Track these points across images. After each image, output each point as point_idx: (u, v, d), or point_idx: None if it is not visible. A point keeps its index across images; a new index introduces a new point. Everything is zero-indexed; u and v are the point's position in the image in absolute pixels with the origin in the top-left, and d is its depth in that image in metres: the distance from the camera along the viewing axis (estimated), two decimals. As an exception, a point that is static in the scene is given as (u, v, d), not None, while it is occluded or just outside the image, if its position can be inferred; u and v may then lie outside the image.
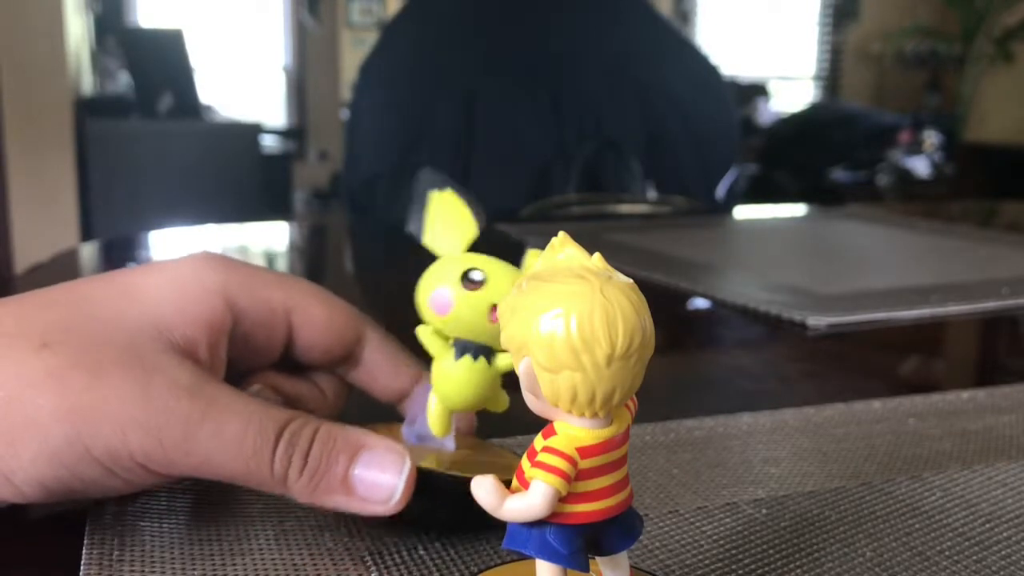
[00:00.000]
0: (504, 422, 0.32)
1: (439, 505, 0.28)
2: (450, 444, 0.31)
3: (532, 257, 0.30)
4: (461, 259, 0.29)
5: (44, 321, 0.27)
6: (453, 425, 0.31)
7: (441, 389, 0.30)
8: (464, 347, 0.29)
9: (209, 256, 0.31)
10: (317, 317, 0.32)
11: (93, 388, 0.26)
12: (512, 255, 0.30)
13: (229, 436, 0.26)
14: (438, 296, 0.28)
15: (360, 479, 0.27)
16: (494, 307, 0.28)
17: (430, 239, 0.30)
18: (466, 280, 0.28)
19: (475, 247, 0.30)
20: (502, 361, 0.29)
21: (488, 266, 0.28)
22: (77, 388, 0.26)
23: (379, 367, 0.33)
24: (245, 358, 0.32)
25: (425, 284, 0.29)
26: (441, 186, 0.30)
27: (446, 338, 0.30)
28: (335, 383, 0.34)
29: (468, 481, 0.27)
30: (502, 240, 0.87)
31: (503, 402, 0.31)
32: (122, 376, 0.26)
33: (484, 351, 0.29)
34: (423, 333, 0.30)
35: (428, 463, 0.29)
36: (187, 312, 0.29)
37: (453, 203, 0.30)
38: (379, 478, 0.27)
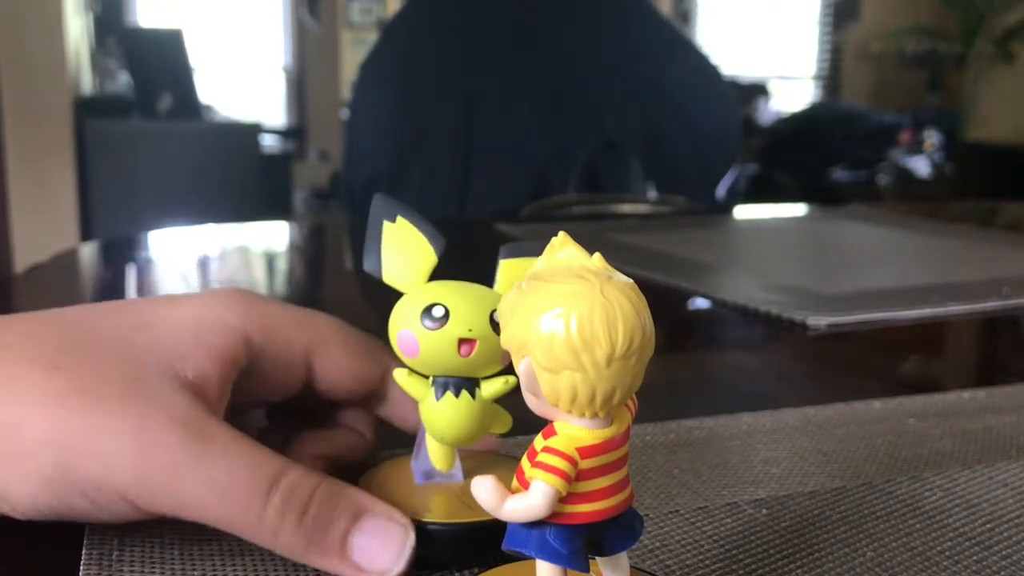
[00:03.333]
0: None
1: (444, 555, 0.28)
2: (458, 475, 0.30)
3: (505, 269, 0.29)
4: (421, 294, 0.27)
5: (57, 345, 0.27)
6: (456, 457, 0.30)
7: (431, 429, 0.29)
8: (443, 385, 0.28)
9: (230, 292, 0.31)
10: (337, 361, 0.31)
11: (88, 418, 0.26)
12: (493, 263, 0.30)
13: (217, 481, 0.25)
14: (403, 339, 0.27)
15: (358, 547, 0.26)
16: (461, 341, 0.27)
17: (388, 275, 0.29)
18: (427, 318, 0.27)
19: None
20: (487, 390, 0.28)
21: (448, 298, 0.27)
22: (73, 417, 0.26)
23: (404, 401, 0.33)
24: (262, 394, 0.31)
25: (391, 326, 0.28)
26: (392, 216, 0.29)
27: (425, 377, 0.28)
28: (369, 419, 0.33)
29: (471, 526, 0.27)
30: (502, 240, 0.87)
31: (505, 423, 0.30)
32: (120, 409, 0.26)
33: (465, 384, 0.28)
34: (400, 376, 0.28)
35: (434, 508, 0.28)
36: (202, 344, 0.28)
37: (407, 232, 0.29)
38: (378, 549, 0.26)
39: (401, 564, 0.26)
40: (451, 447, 0.30)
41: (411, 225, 0.29)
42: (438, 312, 0.27)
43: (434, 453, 0.30)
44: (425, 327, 0.27)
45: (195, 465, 0.25)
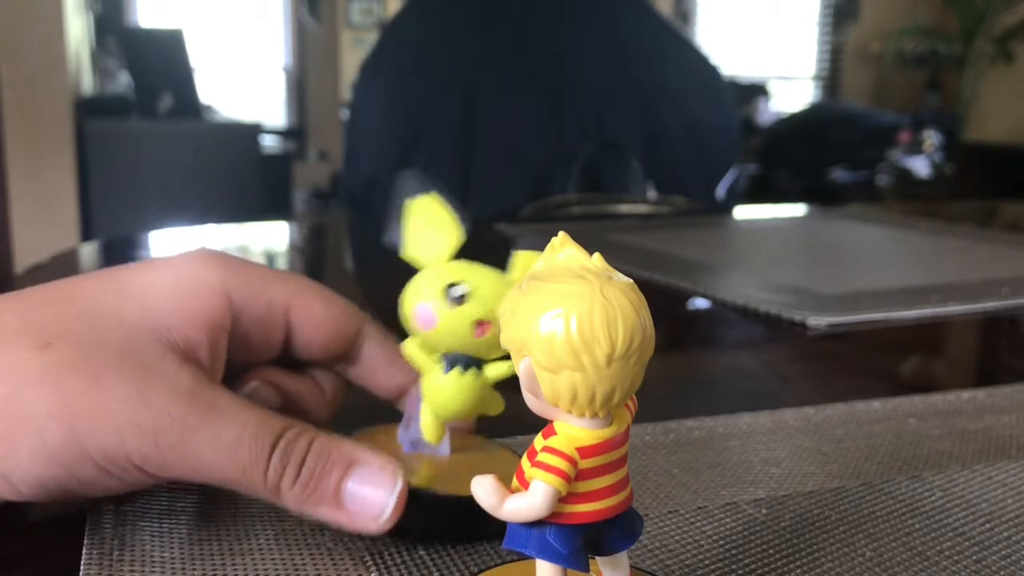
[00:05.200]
0: (504, 422, 0.32)
1: (430, 522, 0.28)
2: (445, 450, 0.31)
3: (519, 260, 0.30)
4: (444, 271, 0.28)
5: (44, 319, 0.27)
6: (447, 431, 0.31)
7: (432, 402, 0.29)
8: (453, 360, 0.29)
9: (208, 253, 0.31)
10: (316, 314, 0.32)
11: (92, 389, 0.26)
12: (506, 255, 0.30)
13: (225, 442, 0.26)
14: (421, 312, 0.28)
15: (351, 494, 0.27)
16: (478, 322, 0.27)
17: (411, 249, 0.29)
18: (449, 295, 0.27)
19: (463, 253, 0.29)
20: (491, 371, 0.29)
21: (472, 278, 0.28)
22: (76, 388, 0.26)
23: (377, 364, 0.33)
24: (243, 355, 0.32)
25: (408, 298, 0.28)
26: (422, 192, 0.29)
27: (433, 351, 0.29)
28: (334, 379, 0.34)
29: (459, 499, 0.28)
30: (500, 240, 0.87)
31: (497, 406, 0.31)
32: (121, 378, 0.26)
33: (473, 362, 0.29)
34: (409, 347, 0.29)
35: (422, 475, 0.29)
36: (187, 311, 0.29)
37: (435, 209, 0.29)
38: (370, 494, 0.27)
39: (391, 509, 0.27)
40: (444, 422, 0.30)
41: (440, 203, 0.29)
42: (460, 291, 0.27)
43: (426, 426, 0.30)
44: (447, 303, 0.27)
45: (204, 430, 0.26)
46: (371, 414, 0.34)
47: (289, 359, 0.33)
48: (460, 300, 0.27)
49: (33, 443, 0.26)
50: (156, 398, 0.26)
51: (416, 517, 0.28)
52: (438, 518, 0.28)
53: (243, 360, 0.32)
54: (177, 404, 0.26)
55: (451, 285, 0.28)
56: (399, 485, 0.27)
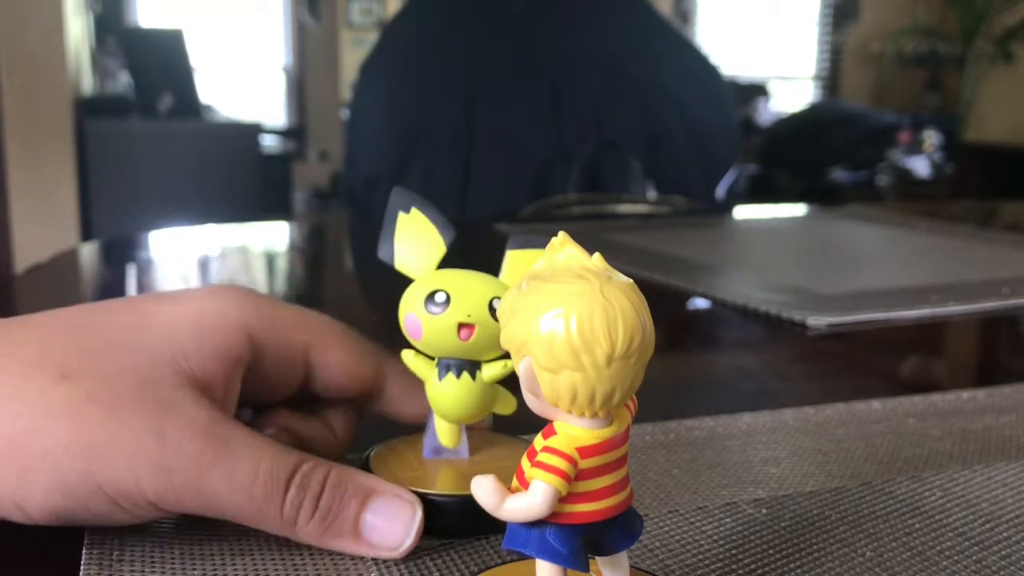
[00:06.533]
0: (504, 422, 0.33)
1: (440, 524, 0.29)
2: (464, 452, 0.32)
3: (511, 259, 0.31)
4: (428, 281, 0.29)
5: (64, 350, 0.27)
6: (463, 434, 0.31)
7: (437, 407, 0.30)
8: (446, 366, 0.30)
9: (232, 289, 0.31)
10: (335, 359, 0.32)
11: (108, 425, 0.26)
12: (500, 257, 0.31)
13: (240, 479, 0.26)
14: (408, 322, 0.29)
15: (370, 526, 0.27)
16: (461, 326, 0.28)
17: (400, 263, 0.30)
18: (430, 303, 0.29)
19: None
20: (487, 373, 0.30)
21: (451, 285, 0.29)
22: (92, 424, 0.26)
23: (399, 399, 0.34)
24: (261, 393, 0.32)
25: (400, 310, 0.30)
26: (407, 207, 0.31)
27: (431, 358, 0.30)
28: (345, 421, 0.34)
29: (463, 500, 0.28)
30: (501, 240, 0.86)
31: (509, 405, 0.31)
32: (138, 414, 0.26)
33: (466, 366, 0.30)
34: (407, 357, 0.30)
35: (441, 479, 0.30)
36: (206, 343, 0.29)
37: (418, 223, 0.31)
38: (389, 525, 0.27)
39: (411, 538, 0.27)
40: (456, 425, 0.31)
41: (424, 216, 0.31)
42: (440, 298, 0.29)
43: (441, 430, 0.31)
44: (428, 311, 0.29)
45: (218, 467, 0.26)
46: (387, 423, 0.34)
47: (307, 394, 0.33)
48: (440, 307, 0.28)
49: (49, 478, 0.26)
50: (172, 435, 0.26)
51: (436, 524, 0.28)
52: (457, 521, 0.29)
53: (261, 397, 0.32)
54: (192, 441, 0.26)
55: (432, 294, 0.29)
56: (418, 515, 0.28)
